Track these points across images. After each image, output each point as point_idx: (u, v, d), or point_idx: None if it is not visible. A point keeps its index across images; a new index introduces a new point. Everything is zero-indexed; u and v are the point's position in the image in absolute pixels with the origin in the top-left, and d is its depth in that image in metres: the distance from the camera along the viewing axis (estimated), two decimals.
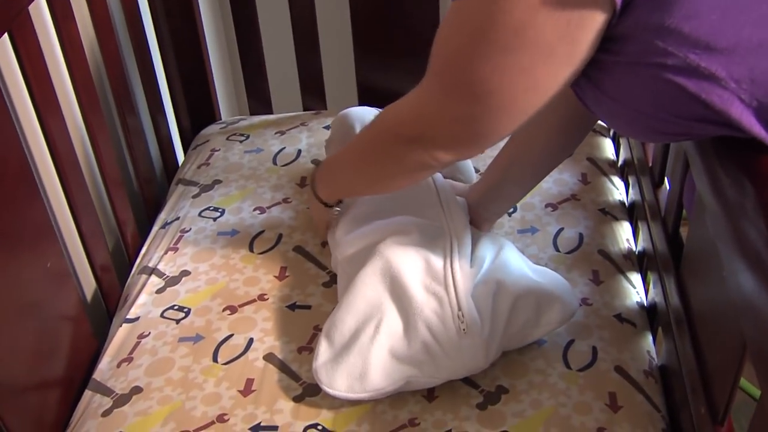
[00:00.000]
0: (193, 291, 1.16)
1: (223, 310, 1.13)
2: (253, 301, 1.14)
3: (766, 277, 0.62)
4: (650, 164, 1.19)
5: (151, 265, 1.22)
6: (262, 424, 0.96)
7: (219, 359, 1.05)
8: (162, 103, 1.50)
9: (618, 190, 1.33)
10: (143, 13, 1.42)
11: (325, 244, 1.22)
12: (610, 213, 1.26)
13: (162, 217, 1.35)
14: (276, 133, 1.52)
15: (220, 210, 1.32)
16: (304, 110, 1.64)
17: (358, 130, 1.26)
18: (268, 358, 1.05)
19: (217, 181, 1.40)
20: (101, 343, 1.13)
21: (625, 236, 1.23)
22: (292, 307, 1.13)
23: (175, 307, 1.14)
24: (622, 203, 1.30)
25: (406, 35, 1.56)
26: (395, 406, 0.97)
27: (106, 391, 1.03)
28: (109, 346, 1.10)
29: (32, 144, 1.07)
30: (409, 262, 0.98)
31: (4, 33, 0.95)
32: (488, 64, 0.70)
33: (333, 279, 1.16)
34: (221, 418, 0.97)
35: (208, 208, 1.33)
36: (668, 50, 0.64)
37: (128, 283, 1.23)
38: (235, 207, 1.33)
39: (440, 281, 0.96)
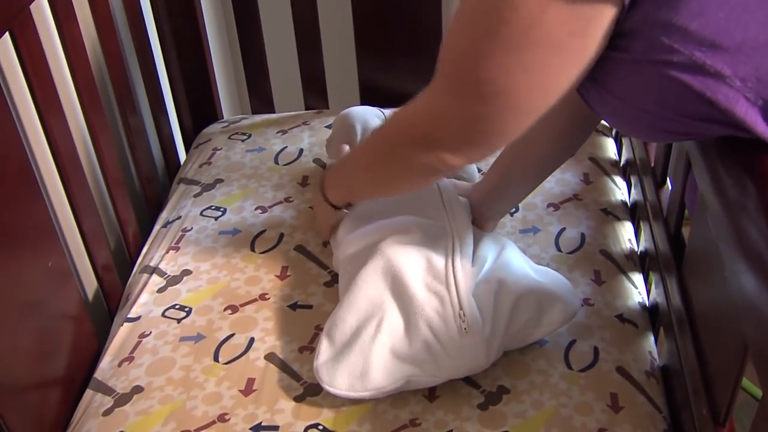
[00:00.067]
0: (195, 290, 1.16)
1: (225, 309, 1.12)
2: (255, 300, 1.14)
3: None
4: (652, 164, 1.19)
5: (152, 264, 1.22)
6: (263, 423, 0.96)
7: (220, 359, 1.05)
8: (164, 101, 1.50)
9: (620, 190, 1.32)
10: (145, 11, 1.42)
11: (326, 243, 1.22)
12: (612, 213, 1.26)
13: (163, 216, 1.35)
14: (278, 132, 1.52)
15: (221, 209, 1.32)
16: (306, 109, 1.63)
17: (358, 129, 1.26)
18: (269, 357, 1.05)
19: (219, 181, 1.40)
20: (102, 343, 1.13)
21: (627, 236, 1.22)
22: (294, 306, 1.12)
23: (177, 307, 1.14)
24: (624, 203, 1.30)
25: (409, 34, 1.56)
26: (396, 406, 0.97)
27: (107, 390, 1.03)
28: (110, 345, 1.10)
29: (34, 143, 1.07)
30: (411, 261, 0.97)
31: (5, 32, 0.95)
32: (496, 63, 0.69)
33: (334, 278, 1.16)
34: (222, 418, 0.97)
35: (209, 208, 1.33)
36: (674, 47, 0.64)
37: (129, 282, 1.23)
38: (237, 206, 1.33)
39: (441, 280, 0.96)
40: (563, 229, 1.22)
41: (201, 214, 1.32)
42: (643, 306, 1.10)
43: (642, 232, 1.22)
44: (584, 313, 1.07)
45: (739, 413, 1.01)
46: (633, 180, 1.31)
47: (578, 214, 1.25)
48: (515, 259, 1.04)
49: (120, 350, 1.08)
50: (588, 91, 0.73)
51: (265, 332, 1.08)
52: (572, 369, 0.99)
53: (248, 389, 1.00)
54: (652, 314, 1.10)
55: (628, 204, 1.30)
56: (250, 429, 0.95)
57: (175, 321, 1.11)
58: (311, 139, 1.48)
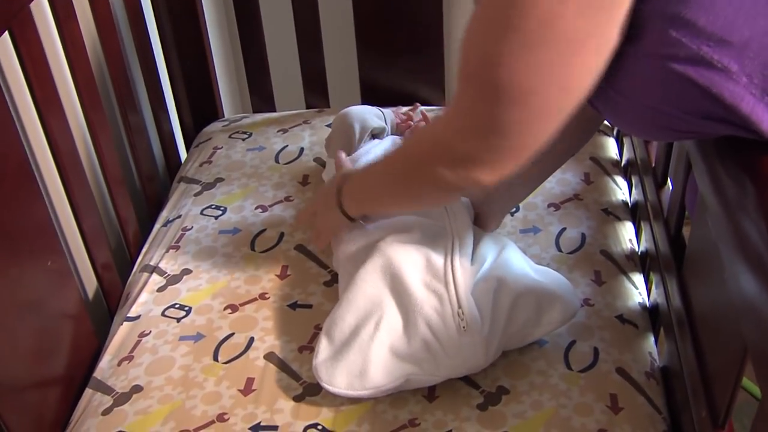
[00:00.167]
0: (194, 289, 1.16)
1: (224, 308, 1.12)
2: (254, 299, 1.14)
3: None
4: (653, 164, 1.19)
5: (152, 263, 1.22)
6: (262, 423, 0.96)
7: (219, 358, 1.05)
8: (164, 100, 1.50)
9: (621, 190, 1.32)
10: (146, 9, 1.42)
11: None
12: (612, 213, 1.26)
13: (164, 215, 1.34)
14: (278, 131, 1.52)
15: (221, 208, 1.32)
16: (307, 108, 1.63)
17: (357, 128, 1.26)
18: (269, 357, 1.04)
19: (219, 179, 1.39)
20: (102, 342, 1.13)
21: (627, 236, 1.22)
22: (293, 306, 1.12)
23: (176, 306, 1.14)
24: (625, 203, 1.29)
25: (410, 32, 1.56)
26: (395, 406, 0.97)
27: (106, 389, 1.03)
28: (110, 344, 1.10)
29: (33, 142, 1.07)
30: (410, 260, 0.97)
31: (4, 31, 0.94)
32: (520, 61, 0.67)
33: (334, 278, 1.16)
34: (221, 418, 0.97)
35: (209, 207, 1.33)
36: (682, 41, 0.64)
37: (129, 282, 1.23)
38: (237, 205, 1.33)
39: (440, 279, 0.95)
40: (564, 229, 1.22)
41: (201, 213, 1.32)
42: (643, 306, 1.10)
43: (643, 232, 1.22)
44: (584, 313, 1.06)
45: (740, 413, 1.00)
46: (634, 180, 1.31)
47: (579, 214, 1.25)
48: (515, 259, 1.04)
49: (119, 349, 1.08)
50: (593, 91, 0.73)
51: (264, 332, 1.08)
52: (572, 369, 0.99)
53: (247, 389, 1.00)
54: (652, 315, 1.10)
55: (629, 204, 1.30)
56: (249, 429, 0.95)
57: (175, 320, 1.11)
58: (312, 138, 1.48)
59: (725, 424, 0.79)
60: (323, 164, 1.40)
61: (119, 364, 1.06)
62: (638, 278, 1.15)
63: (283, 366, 1.03)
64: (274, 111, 1.64)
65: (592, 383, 0.97)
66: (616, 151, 1.42)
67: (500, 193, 1.11)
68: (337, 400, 0.97)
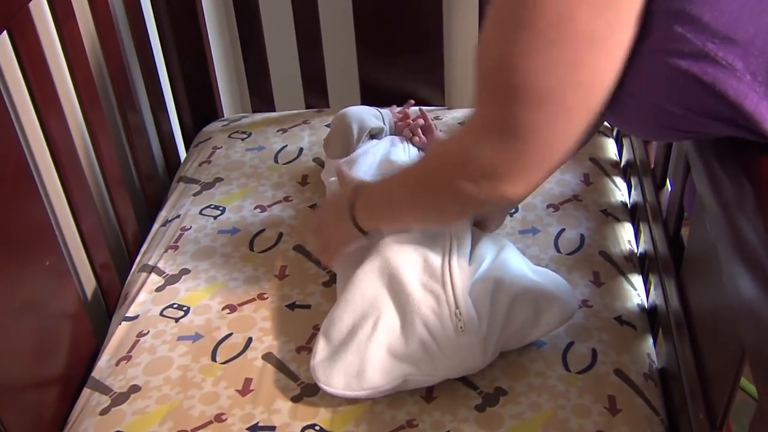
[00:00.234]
0: (193, 289, 1.16)
1: (223, 309, 1.12)
2: (253, 300, 1.14)
3: (766, 281, 0.61)
4: (652, 165, 1.19)
5: (151, 263, 1.22)
6: (259, 424, 0.96)
7: (218, 358, 1.05)
8: (164, 100, 1.50)
9: (620, 191, 1.32)
10: (145, 9, 1.42)
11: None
12: (612, 214, 1.25)
13: (163, 214, 1.34)
14: (278, 131, 1.51)
15: (220, 208, 1.32)
16: (307, 108, 1.63)
17: (355, 129, 1.26)
18: (267, 357, 1.04)
19: (219, 179, 1.39)
20: (101, 341, 1.13)
21: (626, 238, 1.22)
22: (292, 306, 1.12)
23: (175, 306, 1.14)
24: (624, 204, 1.29)
25: (410, 32, 1.56)
26: (393, 407, 0.97)
27: (104, 389, 1.03)
28: (108, 344, 1.10)
29: (32, 142, 1.07)
30: (408, 260, 0.97)
31: (3, 31, 0.94)
32: (537, 60, 0.66)
33: (333, 279, 1.16)
34: (219, 418, 0.97)
35: (208, 206, 1.33)
36: (687, 37, 0.64)
37: (128, 281, 1.23)
38: (236, 205, 1.33)
39: (438, 279, 0.95)
40: (563, 230, 1.21)
41: (200, 213, 1.32)
42: (642, 308, 1.10)
43: (642, 233, 1.22)
44: (583, 314, 1.06)
45: (738, 413, 1.00)
46: (633, 181, 1.31)
47: (578, 215, 1.25)
48: (513, 260, 1.04)
49: (118, 349, 1.08)
50: None
51: (263, 332, 1.08)
52: (570, 371, 0.99)
53: (245, 389, 1.00)
54: (651, 316, 1.09)
55: (628, 205, 1.30)
56: (247, 429, 0.95)
57: (173, 320, 1.11)
58: (311, 138, 1.48)
59: (723, 425, 0.79)
60: (322, 164, 1.40)
61: (117, 364, 1.06)
62: (637, 279, 1.15)
63: (281, 366, 1.03)
64: (274, 111, 1.64)
65: (591, 385, 0.97)
66: (616, 152, 1.42)
67: None
68: (334, 401, 0.97)
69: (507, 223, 1.23)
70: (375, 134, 1.30)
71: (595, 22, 0.64)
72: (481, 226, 1.10)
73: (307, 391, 0.99)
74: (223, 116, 1.64)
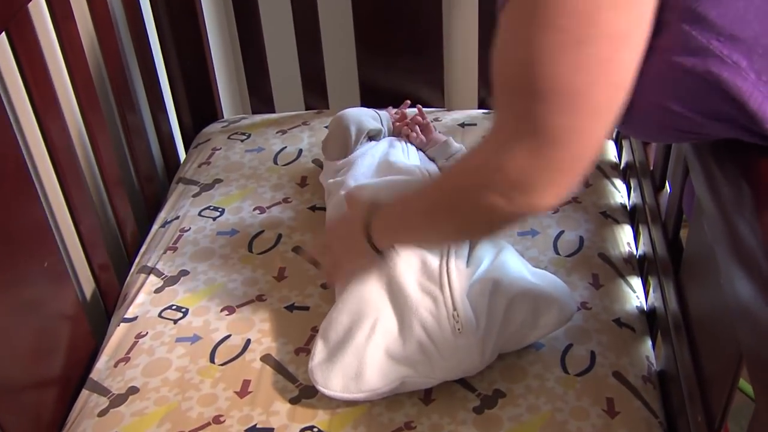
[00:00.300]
0: (192, 291, 1.16)
1: (221, 310, 1.12)
2: (251, 301, 1.14)
3: (764, 283, 0.61)
4: (651, 167, 1.19)
5: (150, 264, 1.22)
6: (257, 425, 0.96)
7: (216, 360, 1.05)
8: (163, 101, 1.50)
9: (620, 193, 1.32)
10: (144, 9, 1.42)
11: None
12: (611, 216, 1.25)
13: (162, 216, 1.34)
14: (277, 132, 1.51)
15: (219, 209, 1.32)
16: (306, 109, 1.63)
17: (353, 131, 1.26)
18: (265, 359, 1.04)
19: (218, 181, 1.39)
20: (99, 342, 1.13)
21: (626, 240, 1.22)
22: (291, 308, 1.12)
23: (173, 307, 1.14)
24: (623, 206, 1.29)
25: (409, 34, 1.56)
26: (391, 409, 0.97)
27: (102, 390, 1.03)
28: (107, 345, 1.10)
29: (31, 143, 1.07)
30: (405, 262, 0.97)
31: (1, 32, 0.94)
32: (561, 60, 0.63)
33: None
34: (217, 420, 0.97)
35: (208, 208, 1.33)
36: (692, 34, 0.64)
37: (127, 282, 1.23)
38: (235, 206, 1.32)
39: (435, 280, 0.95)
40: (562, 232, 1.21)
41: (199, 214, 1.32)
42: (641, 310, 1.10)
43: (641, 235, 1.22)
44: (581, 316, 1.06)
45: (738, 415, 1.00)
46: (632, 183, 1.30)
47: (577, 216, 1.25)
48: (512, 261, 1.04)
49: (116, 350, 1.08)
50: None
51: (261, 334, 1.08)
52: (568, 373, 0.99)
53: (244, 391, 1.00)
54: (650, 318, 1.09)
55: (628, 207, 1.30)
56: (245, 431, 0.95)
57: (172, 322, 1.11)
58: (311, 139, 1.48)
59: (721, 428, 0.79)
60: (321, 166, 1.39)
61: (116, 366, 1.06)
62: (636, 282, 1.15)
63: (279, 368, 1.03)
64: (274, 112, 1.64)
65: (589, 387, 0.97)
66: (615, 154, 1.42)
67: None
68: (333, 403, 0.97)
69: None
70: (373, 136, 1.30)
71: (621, 18, 0.63)
72: None
73: (306, 393, 0.99)
74: (223, 117, 1.64)
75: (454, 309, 0.93)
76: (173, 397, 1.00)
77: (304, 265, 1.19)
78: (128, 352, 1.07)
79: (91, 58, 1.22)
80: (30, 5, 1.02)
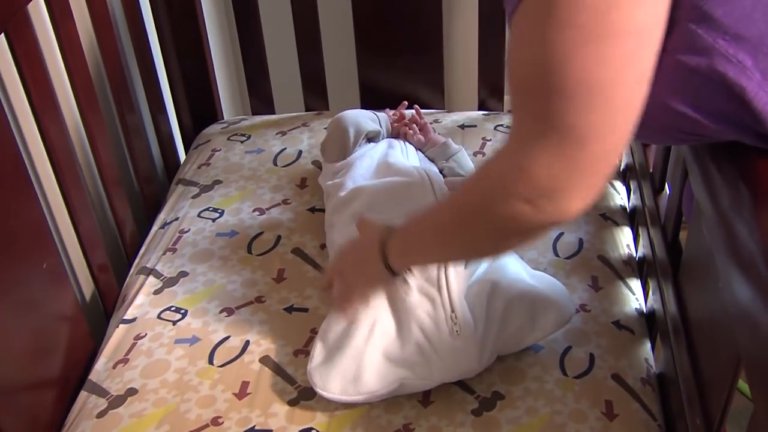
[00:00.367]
0: (191, 292, 1.16)
1: (220, 311, 1.12)
2: (250, 303, 1.13)
3: (763, 287, 0.61)
4: (651, 169, 1.19)
5: (149, 265, 1.22)
6: (256, 427, 0.96)
7: (215, 361, 1.05)
8: (163, 102, 1.49)
9: (620, 195, 1.32)
10: (144, 10, 1.42)
11: (323, 246, 1.22)
12: (611, 218, 1.25)
13: (161, 217, 1.34)
14: (277, 134, 1.51)
15: (219, 211, 1.32)
16: (306, 110, 1.63)
17: (351, 133, 1.25)
18: (264, 361, 1.04)
19: (217, 182, 1.39)
20: (98, 343, 1.13)
21: (625, 242, 1.22)
22: (290, 309, 1.12)
23: (172, 309, 1.13)
24: (623, 208, 1.29)
25: (409, 33, 1.55)
26: (390, 411, 0.96)
27: (101, 392, 1.03)
28: (106, 346, 1.09)
29: (30, 144, 1.07)
30: None
31: (0, 33, 0.94)
32: (586, 56, 0.61)
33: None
34: (215, 421, 0.97)
35: (207, 209, 1.33)
36: (698, 33, 0.64)
37: (126, 284, 1.22)
38: (235, 208, 1.32)
39: (433, 282, 0.95)
40: (561, 234, 1.21)
41: (199, 215, 1.31)
42: (640, 312, 1.10)
43: (640, 237, 1.21)
44: (581, 319, 1.06)
45: (739, 417, 0.99)
46: (632, 185, 1.30)
47: (576, 218, 1.24)
48: (510, 263, 1.03)
49: (115, 352, 1.08)
50: None
51: (260, 335, 1.08)
52: (567, 375, 0.98)
53: (242, 392, 1.00)
54: (649, 321, 1.09)
55: (627, 209, 1.30)
56: None
57: (171, 323, 1.11)
58: (310, 140, 1.48)
59: (719, 431, 0.79)
60: (321, 167, 1.39)
61: (114, 367, 1.06)
62: (635, 284, 1.15)
63: (278, 370, 1.03)
64: (274, 113, 1.63)
65: (588, 389, 0.97)
66: None
67: None
68: (331, 405, 0.97)
69: None
70: (372, 137, 1.29)
71: (640, 13, 0.62)
72: None
73: (304, 395, 0.99)
74: (223, 118, 1.64)
75: (452, 311, 0.93)
76: (172, 398, 1.00)
77: (303, 266, 1.19)
78: (127, 354, 1.07)
79: (91, 58, 1.22)
80: (29, 6, 1.01)
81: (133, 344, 1.08)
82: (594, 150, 0.65)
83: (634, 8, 0.61)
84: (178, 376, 1.03)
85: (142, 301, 1.15)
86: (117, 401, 1.00)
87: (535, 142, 0.66)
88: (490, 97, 1.58)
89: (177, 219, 1.31)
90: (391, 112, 1.39)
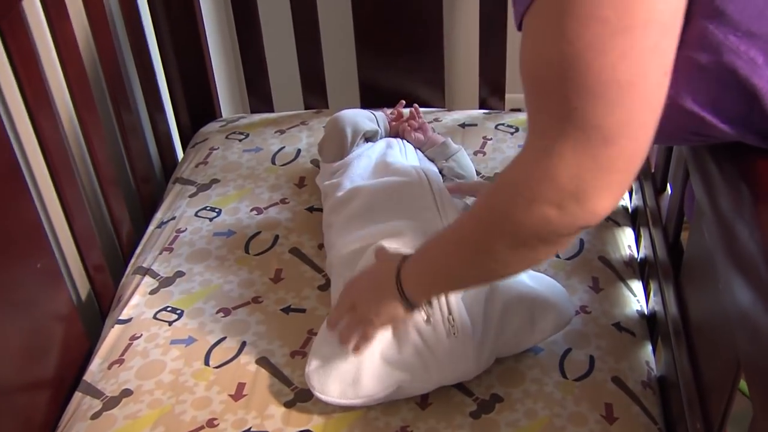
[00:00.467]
0: (187, 292, 1.15)
1: (217, 312, 1.11)
2: (247, 303, 1.12)
3: (763, 289, 0.60)
4: (653, 170, 1.18)
5: (145, 265, 1.21)
6: (252, 429, 0.95)
7: (211, 362, 1.04)
8: (161, 100, 1.49)
9: None
10: (141, 7, 1.41)
11: (321, 246, 1.21)
12: (612, 218, 1.24)
13: (158, 216, 1.33)
14: (276, 132, 1.50)
15: (216, 210, 1.31)
16: (306, 108, 1.62)
17: (348, 132, 1.24)
18: (261, 362, 1.03)
19: (215, 181, 1.38)
20: (94, 344, 1.12)
21: (626, 242, 1.21)
22: (287, 310, 1.11)
23: (168, 309, 1.12)
24: (625, 208, 1.28)
25: (409, 32, 1.54)
26: (388, 413, 0.96)
27: (96, 393, 1.02)
28: (101, 347, 1.09)
29: (24, 142, 1.06)
30: None
31: None
32: (610, 51, 0.60)
33: (329, 282, 1.14)
34: (211, 423, 0.96)
35: (204, 208, 1.32)
36: (709, 29, 0.63)
37: (122, 283, 1.21)
38: (232, 207, 1.31)
39: None
40: None
41: (196, 214, 1.30)
42: (641, 314, 1.09)
43: (642, 238, 1.20)
44: (581, 321, 1.05)
45: (743, 420, 0.99)
46: (634, 185, 1.29)
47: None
48: None
49: (110, 352, 1.07)
50: None
51: (257, 336, 1.07)
52: (567, 378, 0.97)
53: (238, 394, 0.99)
54: (650, 323, 1.08)
55: (629, 209, 1.29)
56: None
57: (167, 323, 1.10)
58: (309, 139, 1.47)
59: None
60: (320, 166, 1.38)
61: (109, 368, 1.05)
62: (636, 285, 1.14)
63: (274, 371, 1.02)
64: (273, 111, 1.62)
65: (587, 392, 0.96)
66: None
67: None
68: (328, 407, 0.96)
69: None
70: (370, 137, 1.28)
71: (661, 5, 0.60)
72: None
73: (301, 397, 0.98)
74: (221, 117, 1.62)
75: (450, 313, 0.92)
76: (167, 400, 0.99)
77: (300, 267, 1.18)
78: (122, 354, 1.06)
79: (87, 55, 1.21)
80: (24, 2, 1.01)
81: (129, 345, 1.07)
82: (621, 149, 0.63)
83: (655, 1, 0.59)
84: (174, 377, 1.02)
85: (138, 302, 1.14)
86: (111, 402, 1.00)
87: (559, 144, 0.63)
88: (491, 95, 1.57)
89: (174, 218, 1.30)
90: (389, 111, 1.38)
